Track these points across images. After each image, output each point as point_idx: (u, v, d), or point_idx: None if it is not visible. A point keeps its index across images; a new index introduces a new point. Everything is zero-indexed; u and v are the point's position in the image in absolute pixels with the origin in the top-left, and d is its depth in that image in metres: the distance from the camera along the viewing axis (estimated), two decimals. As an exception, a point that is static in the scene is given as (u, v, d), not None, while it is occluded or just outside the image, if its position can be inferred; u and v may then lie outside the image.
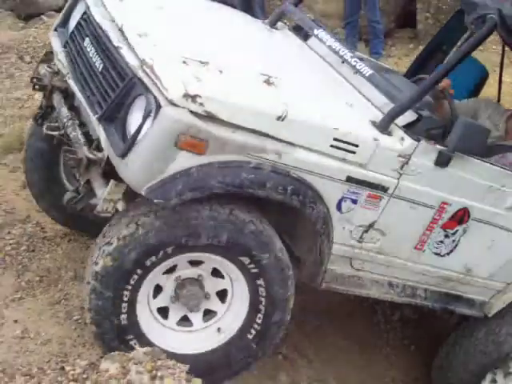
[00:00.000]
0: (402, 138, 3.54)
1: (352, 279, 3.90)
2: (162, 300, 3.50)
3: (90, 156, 3.30)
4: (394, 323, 5.38)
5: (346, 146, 3.38)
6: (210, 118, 3.04)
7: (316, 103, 3.48)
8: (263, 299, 3.56)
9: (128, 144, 3.07)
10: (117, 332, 3.35)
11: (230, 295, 3.61)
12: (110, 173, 3.29)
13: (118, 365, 2.96)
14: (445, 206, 3.82)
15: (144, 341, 3.41)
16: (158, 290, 3.46)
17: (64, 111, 3.74)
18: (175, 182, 3.06)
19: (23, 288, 4.21)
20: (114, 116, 3.26)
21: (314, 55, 4.21)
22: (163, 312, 3.55)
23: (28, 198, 4.92)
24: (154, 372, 2.95)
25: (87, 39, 3.67)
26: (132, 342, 3.38)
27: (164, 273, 3.42)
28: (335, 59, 4.10)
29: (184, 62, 3.20)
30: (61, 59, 3.84)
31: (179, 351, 3.52)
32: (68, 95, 3.88)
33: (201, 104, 3.00)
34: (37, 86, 3.98)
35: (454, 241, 3.99)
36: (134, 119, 3.15)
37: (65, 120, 3.67)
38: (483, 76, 5.06)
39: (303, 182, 3.33)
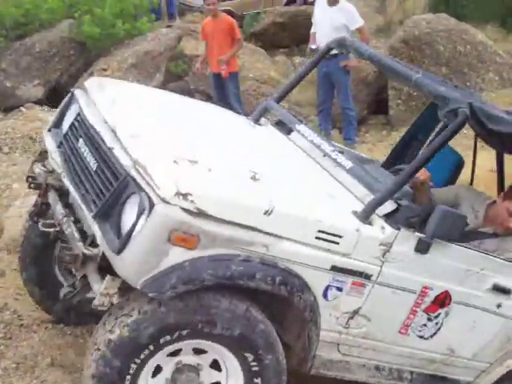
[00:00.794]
0: (383, 227, 3.71)
1: (340, 364, 4.01)
2: (159, 380, 3.55)
3: (86, 252, 3.44)
4: None
5: (330, 237, 3.54)
6: (200, 214, 3.20)
7: (300, 197, 3.66)
8: None
9: (123, 241, 3.22)
10: None
11: None
12: (105, 268, 3.43)
13: None
14: (426, 290, 3.97)
15: None
16: (156, 370, 3.52)
17: (59, 208, 3.90)
18: (169, 276, 3.21)
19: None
20: (109, 214, 3.41)
21: (297, 149, 4.42)
22: None
23: (5, 286, 5.02)
24: None
25: (81, 140, 3.87)
26: None
27: (168, 355, 3.50)
28: (317, 153, 4.31)
29: (175, 162, 3.39)
30: (55, 158, 4.02)
31: None
32: (63, 193, 4.05)
33: (192, 201, 3.17)
34: (32, 185, 4.16)
35: (436, 323, 4.13)
36: (128, 217, 3.31)
37: (60, 217, 3.83)
38: (459, 164, 5.29)
39: (290, 272, 3.48)
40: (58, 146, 4.09)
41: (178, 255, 3.22)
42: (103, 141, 3.65)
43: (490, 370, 4.55)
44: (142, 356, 3.35)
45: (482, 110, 3.91)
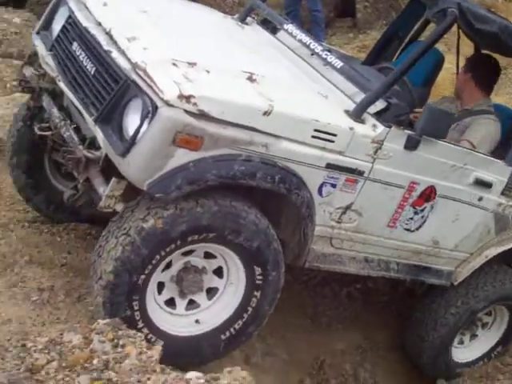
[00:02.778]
0: (375, 126, 3.83)
1: (332, 257, 4.19)
2: (165, 276, 3.69)
3: (89, 155, 3.51)
4: (343, 299, 5.64)
5: (326, 135, 3.66)
6: (203, 116, 3.28)
7: (296, 97, 3.75)
8: (250, 309, 3.85)
9: (128, 144, 3.29)
10: (129, 289, 3.46)
11: (219, 294, 3.87)
12: (107, 170, 3.51)
13: (80, 336, 3.12)
14: (414, 185, 4.13)
15: (141, 305, 3.57)
16: (166, 266, 3.65)
17: (55, 112, 3.93)
18: (174, 177, 3.30)
19: (-21, 273, 4.31)
20: (110, 117, 3.46)
21: (286, 49, 4.46)
22: (161, 287, 3.74)
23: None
24: (116, 341, 3.12)
25: (75, 43, 3.85)
26: (134, 304, 3.52)
27: (182, 253, 3.64)
28: (305, 52, 4.37)
29: (174, 64, 3.42)
30: (48, 62, 4.01)
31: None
32: (56, 96, 4.07)
33: (194, 104, 3.24)
34: (25, 89, 4.16)
35: (422, 217, 4.32)
36: (131, 120, 3.37)
37: (57, 121, 3.86)
38: (439, 61, 5.37)
39: (288, 171, 3.60)
40: (50, 50, 4.06)
41: (182, 157, 3.30)
42: (99, 44, 3.65)
43: (470, 260, 4.80)
44: (168, 249, 3.47)
45: (470, 10, 3.99)
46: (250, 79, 3.62)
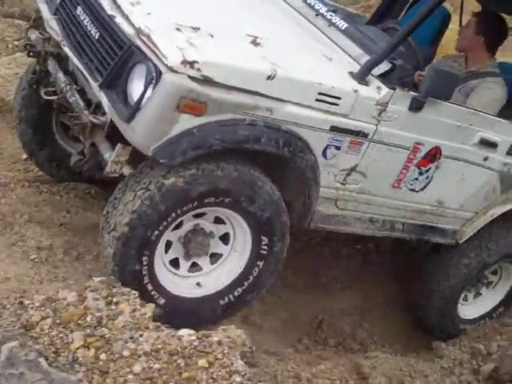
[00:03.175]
0: (379, 87, 3.84)
1: (337, 218, 4.24)
2: (175, 235, 3.75)
3: (94, 121, 3.54)
4: (342, 259, 5.72)
5: (330, 99, 3.67)
6: (206, 81, 3.29)
7: (300, 60, 3.75)
8: (251, 278, 3.92)
9: (132, 109, 3.32)
10: (141, 243, 3.52)
11: (222, 260, 3.94)
12: (112, 135, 3.55)
13: (75, 293, 3.18)
14: (418, 146, 4.15)
15: (150, 261, 3.63)
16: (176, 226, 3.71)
17: (61, 77, 3.95)
18: (179, 142, 3.34)
19: (-22, 231, 4.36)
20: (114, 83, 3.48)
21: (291, 10, 4.44)
22: (168, 246, 3.81)
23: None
24: (110, 298, 3.20)
25: (79, 8, 3.85)
26: (144, 258, 3.58)
27: (193, 215, 3.70)
28: (310, 12, 4.35)
29: (177, 29, 3.43)
30: (52, 26, 4.02)
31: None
32: (61, 60, 4.09)
33: (198, 69, 3.25)
34: (31, 53, 4.18)
35: (427, 177, 4.35)
36: (135, 85, 3.39)
37: (62, 85, 3.89)
38: (445, 17, 5.33)
39: (293, 134, 3.62)
40: (54, 13, 4.07)
41: (186, 122, 3.33)
42: (103, 9, 3.66)
43: (475, 219, 4.83)
44: (184, 209, 3.54)
45: None
46: (254, 43, 3.63)
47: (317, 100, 3.64)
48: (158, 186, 3.45)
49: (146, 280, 3.66)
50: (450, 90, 3.99)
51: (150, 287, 3.68)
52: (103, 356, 2.87)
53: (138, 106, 3.31)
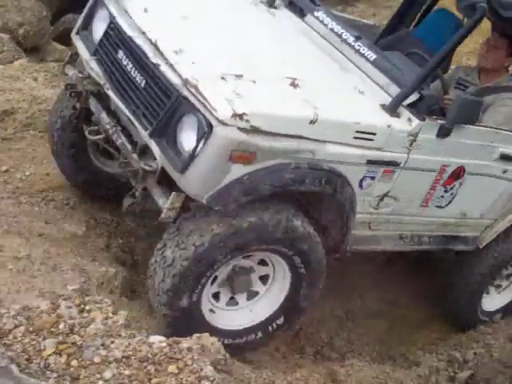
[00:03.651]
0: (410, 119, 4.03)
1: (370, 239, 4.49)
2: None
3: (146, 168, 3.72)
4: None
5: (366, 135, 3.88)
6: (255, 131, 3.48)
7: (336, 97, 3.93)
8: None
9: (186, 161, 3.51)
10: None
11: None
12: (163, 179, 3.74)
13: (48, 302, 3.24)
14: (445, 167, 4.37)
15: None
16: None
17: (104, 117, 4.12)
18: (231, 190, 3.54)
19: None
20: (164, 131, 3.67)
21: (318, 37, 4.57)
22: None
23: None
24: (82, 306, 3.26)
25: (121, 52, 3.99)
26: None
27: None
28: (335, 39, 4.51)
29: (223, 78, 3.60)
30: (93, 67, 4.16)
31: None
32: (102, 98, 4.24)
33: (247, 121, 3.44)
34: (72, 93, 4.33)
35: (452, 194, 4.58)
36: (185, 135, 3.58)
37: (108, 127, 4.06)
38: (459, 27, 5.48)
39: (333, 172, 3.83)
40: (94, 54, 4.21)
41: (237, 171, 3.53)
42: (146, 56, 3.80)
43: (494, 225, 5.10)
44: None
45: (498, 1, 4.13)
46: (293, 85, 3.79)
47: (354, 138, 3.84)
48: (213, 237, 3.68)
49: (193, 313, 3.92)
50: (475, 115, 4.20)
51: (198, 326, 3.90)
52: (74, 362, 2.93)
53: (191, 158, 3.50)
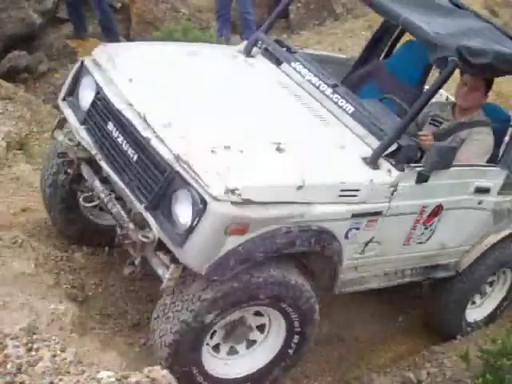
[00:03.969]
0: (390, 170, 4.24)
1: (357, 280, 4.71)
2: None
3: (144, 240, 3.88)
4: None
5: (350, 192, 4.08)
6: (247, 203, 3.67)
7: (320, 157, 4.11)
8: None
9: (183, 236, 3.69)
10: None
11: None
12: (160, 248, 3.92)
13: None
14: (424, 208, 4.60)
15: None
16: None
17: (98, 185, 4.28)
18: (227, 261, 3.73)
19: None
20: (159, 205, 3.83)
21: (297, 88, 4.74)
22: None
23: None
24: (30, 345, 3.27)
25: (110, 123, 4.13)
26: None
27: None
28: (315, 90, 4.69)
29: (212, 152, 3.78)
30: (83, 136, 4.30)
31: None
32: (93, 163, 4.38)
33: (239, 194, 3.62)
34: (65, 162, 4.48)
35: (431, 230, 4.81)
36: (181, 209, 3.75)
37: (102, 195, 4.22)
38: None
39: (321, 230, 4.03)
40: (83, 123, 4.35)
41: (232, 242, 3.71)
42: (136, 130, 3.96)
43: (472, 250, 5.36)
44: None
45: (467, 50, 4.31)
46: (279, 149, 3.97)
47: (339, 196, 4.04)
48: (200, 299, 3.87)
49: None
50: (451, 160, 4.42)
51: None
52: (24, 402, 2.92)
53: (188, 233, 3.68)
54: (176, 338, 3.92)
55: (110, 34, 9.32)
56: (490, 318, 6.04)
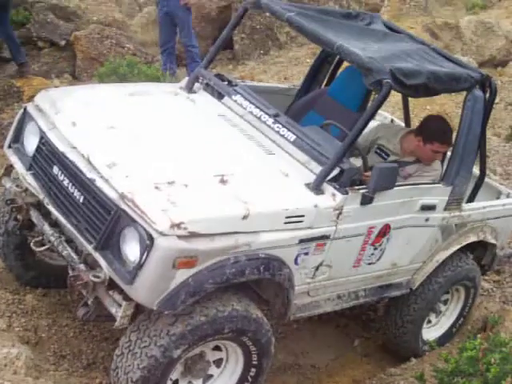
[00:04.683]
0: (334, 194, 4.33)
1: (310, 305, 4.77)
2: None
3: (95, 280, 3.92)
4: None
5: (296, 218, 4.17)
6: (193, 236, 3.73)
7: (263, 186, 4.21)
8: None
9: (132, 274, 3.74)
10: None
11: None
12: (112, 287, 3.96)
13: None
14: (372, 229, 4.70)
15: None
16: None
17: (47, 229, 4.31)
18: (178, 294, 3.78)
19: None
20: (108, 244, 3.89)
21: (239, 120, 4.83)
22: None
23: None
24: None
25: (55, 167, 4.20)
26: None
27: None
28: (257, 121, 4.79)
29: (156, 188, 3.85)
30: (30, 182, 4.35)
31: None
32: (41, 207, 4.42)
33: (185, 228, 3.69)
34: (13, 208, 4.51)
35: (381, 250, 4.90)
36: (129, 247, 3.81)
37: (52, 238, 4.25)
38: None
39: (269, 257, 4.09)
40: (29, 168, 4.39)
41: (182, 275, 3.77)
42: (81, 171, 4.02)
43: (423, 267, 5.46)
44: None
45: (400, 71, 4.45)
46: (222, 181, 4.06)
47: (285, 223, 4.12)
48: (168, 334, 3.91)
49: None
50: (393, 181, 4.52)
51: None
52: None
53: (136, 270, 3.73)
54: (144, 374, 3.94)
55: (19, 57, 9.47)
56: (446, 337, 6.14)
